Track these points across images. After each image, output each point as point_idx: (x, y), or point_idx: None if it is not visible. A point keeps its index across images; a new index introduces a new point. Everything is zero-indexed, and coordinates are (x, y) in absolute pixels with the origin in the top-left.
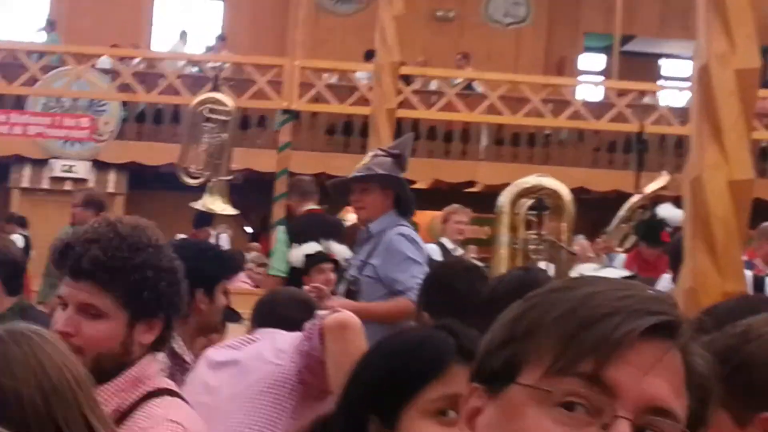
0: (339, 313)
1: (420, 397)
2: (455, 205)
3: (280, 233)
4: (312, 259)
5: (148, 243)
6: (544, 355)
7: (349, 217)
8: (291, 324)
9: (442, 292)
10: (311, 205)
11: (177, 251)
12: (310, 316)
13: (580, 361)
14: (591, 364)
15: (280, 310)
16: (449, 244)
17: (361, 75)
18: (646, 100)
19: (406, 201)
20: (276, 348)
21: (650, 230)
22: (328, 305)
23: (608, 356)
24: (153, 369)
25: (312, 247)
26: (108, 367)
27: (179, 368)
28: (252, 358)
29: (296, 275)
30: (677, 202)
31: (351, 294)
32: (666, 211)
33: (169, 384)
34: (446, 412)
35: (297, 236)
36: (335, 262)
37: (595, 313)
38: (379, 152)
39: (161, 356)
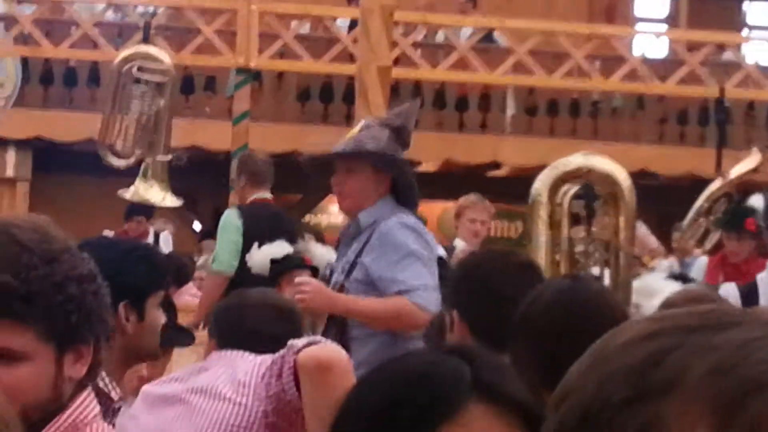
0: (318, 347)
1: None
2: (471, 196)
3: (229, 217)
4: (281, 265)
5: (62, 248)
6: (692, 427)
7: (333, 209)
8: (264, 342)
9: (482, 291)
10: (263, 193)
11: (90, 253)
12: (291, 330)
13: None
14: None
15: (250, 321)
16: (460, 245)
17: (343, 23)
18: (727, 55)
19: (406, 188)
20: (236, 380)
21: (734, 218)
22: (299, 281)
23: None
24: (91, 412)
25: (280, 249)
26: (36, 417)
27: (103, 408)
28: (202, 395)
29: (255, 279)
30: None
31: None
32: (758, 201)
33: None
34: None
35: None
36: (314, 269)
37: (763, 372)
38: (373, 122)
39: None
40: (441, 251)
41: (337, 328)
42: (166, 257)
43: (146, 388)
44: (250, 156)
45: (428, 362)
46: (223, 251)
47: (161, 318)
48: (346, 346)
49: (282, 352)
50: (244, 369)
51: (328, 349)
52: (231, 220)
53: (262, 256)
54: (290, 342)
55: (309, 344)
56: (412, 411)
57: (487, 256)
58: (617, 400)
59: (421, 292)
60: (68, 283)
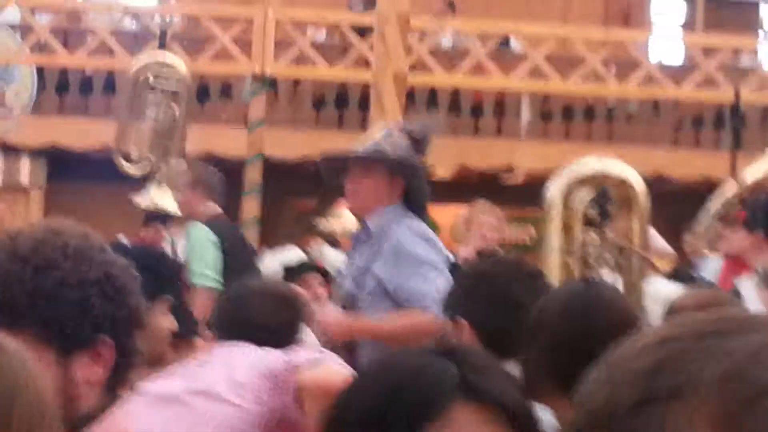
0: (321, 370)
1: None
2: (479, 202)
3: (201, 232)
4: (294, 271)
5: (63, 255)
6: (702, 429)
7: (342, 213)
8: (266, 333)
9: (493, 299)
10: (213, 205)
11: None
12: (294, 320)
13: None
14: None
15: (250, 312)
16: (463, 253)
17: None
18: (743, 60)
19: (419, 195)
20: (234, 381)
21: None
22: (321, 319)
23: None
24: (123, 423)
25: (293, 255)
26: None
27: None
28: (202, 396)
29: None
30: None
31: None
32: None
33: None
34: None
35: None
36: (325, 273)
37: None
38: (395, 130)
39: None
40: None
41: None
42: (178, 264)
43: (145, 385)
44: (204, 165)
45: (416, 363)
46: (208, 266)
47: (171, 324)
48: (353, 349)
49: (282, 363)
50: (243, 369)
51: (331, 372)
52: (205, 235)
53: (274, 262)
54: (291, 360)
55: (311, 362)
56: (398, 412)
57: (497, 264)
58: (626, 404)
59: (438, 304)
60: (63, 290)
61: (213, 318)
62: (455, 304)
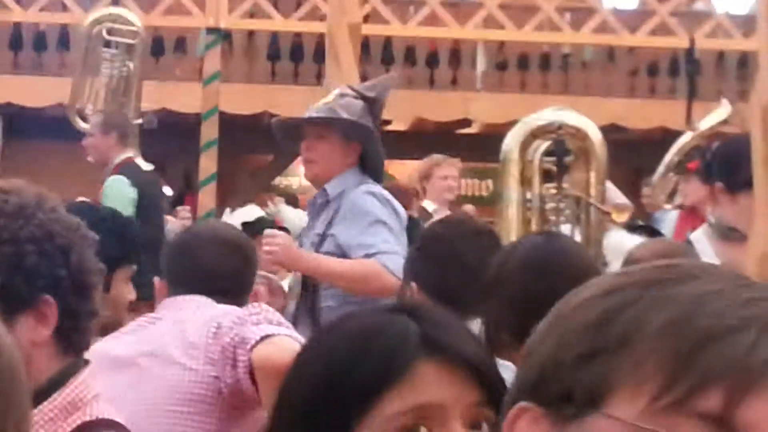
0: (274, 348)
1: (376, 412)
2: (437, 156)
3: (121, 184)
4: (253, 228)
5: None
6: (645, 379)
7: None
8: (218, 282)
9: (441, 260)
10: (129, 154)
11: None
12: (245, 266)
13: (701, 394)
14: (718, 400)
15: (200, 260)
16: (431, 207)
17: None
18: (697, 5)
19: (374, 160)
20: (186, 341)
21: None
22: (268, 240)
23: (742, 389)
24: (91, 391)
25: (251, 212)
26: None
27: None
28: (153, 358)
29: None
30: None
31: (307, 285)
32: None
33: (112, 414)
34: (416, 429)
35: None
36: (285, 231)
37: (717, 324)
38: (349, 91)
39: None
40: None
41: (311, 297)
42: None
43: (99, 347)
44: (121, 113)
45: (375, 322)
46: None
47: (130, 293)
48: (317, 316)
49: (234, 336)
50: (194, 327)
51: (285, 349)
52: (123, 189)
53: (234, 220)
54: (242, 333)
55: (264, 337)
56: (359, 373)
57: (443, 223)
58: (571, 356)
59: (390, 255)
60: None
61: (162, 267)
62: (408, 267)
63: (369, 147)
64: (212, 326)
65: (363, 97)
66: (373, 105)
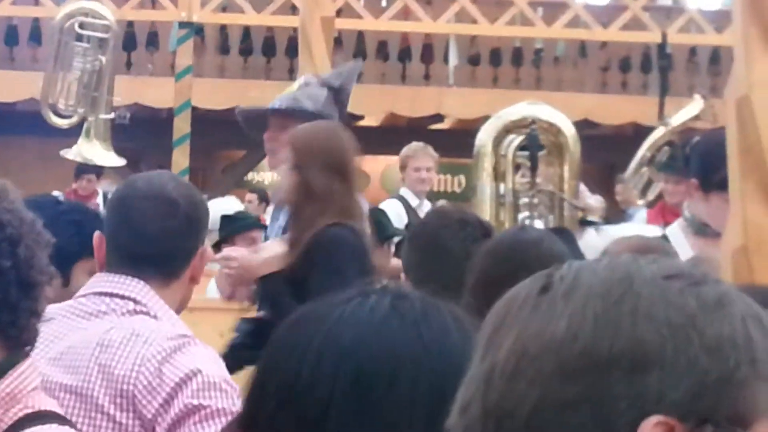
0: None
1: None
2: (414, 145)
3: None
4: (236, 224)
5: None
6: None
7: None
8: (145, 243)
9: (424, 249)
10: None
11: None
12: (182, 232)
13: None
14: None
15: (128, 214)
16: (412, 198)
17: None
18: (669, 0)
19: None
20: (113, 378)
21: (676, 160)
22: (225, 254)
23: None
24: (31, 383)
25: (230, 204)
26: None
27: None
28: (77, 396)
29: None
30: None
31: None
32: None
33: (53, 406)
34: None
35: None
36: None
37: None
38: (313, 80)
39: None
40: (390, 209)
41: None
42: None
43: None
44: None
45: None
46: None
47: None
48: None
49: (172, 380)
50: (124, 362)
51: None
52: None
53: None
54: (179, 381)
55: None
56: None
57: (430, 212)
58: (711, 380)
59: None
60: None
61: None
62: (401, 257)
63: None
64: (148, 368)
65: (328, 86)
66: (338, 94)
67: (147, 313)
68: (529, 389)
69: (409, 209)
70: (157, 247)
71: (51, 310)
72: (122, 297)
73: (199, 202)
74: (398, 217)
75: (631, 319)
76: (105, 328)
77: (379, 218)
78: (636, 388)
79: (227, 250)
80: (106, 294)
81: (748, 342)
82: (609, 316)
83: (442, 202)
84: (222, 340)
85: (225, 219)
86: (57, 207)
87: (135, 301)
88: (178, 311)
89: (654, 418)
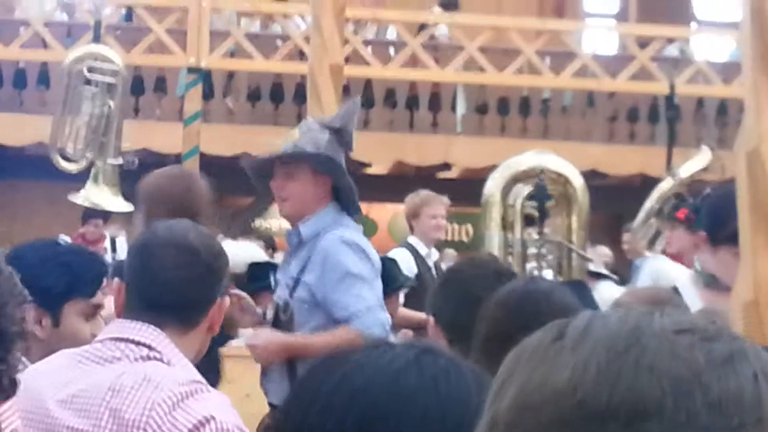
0: None
1: None
2: (427, 192)
3: None
4: (259, 271)
5: None
6: None
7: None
8: (166, 290)
9: (457, 297)
10: None
11: (15, 257)
12: (203, 280)
13: None
14: None
15: (149, 262)
16: (421, 247)
17: (295, 20)
18: (675, 50)
19: (347, 191)
20: (124, 428)
21: (670, 210)
22: (249, 342)
23: None
24: (10, 424)
25: (254, 252)
26: None
27: None
28: None
29: None
30: (726, 188)
31: (280, 323)
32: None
33: None
34: None
35: None
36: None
37: None
38: (314, 125)
39: None
40: (400, 258)
41: (285, 327)
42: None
43: (46, 384)
44: None
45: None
46: None
47: (84, 327)
48: (292, 366)
49: (184, 426)
50: (135, 407)
51: None
52: None
53: (236, 254)
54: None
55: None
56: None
57: (464, 261)
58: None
59: (362, 317)
60: None
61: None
62: (429, 300)
63: (338, 178)
64: (155, 417)
65: (329, 128)
66: (340, 135)
67: (161, 360)
68: None
69: (418, 258)
70: (176, 295)
71: (66, 354)
72: (137, 343)
73: (219, 252)
74: (408, 266)
75: (633, 371)
76: (117, 373)
77: (390, 267)
78: None
79: (249, 340)
80: (121, 339)
81: (757, 400)
82: (611, 368)
83: (450, 251)
84: (229, 386)
85: (252, 267)
86: (52, 249)
87: (149, 347)
88: (194, 361)
89: None
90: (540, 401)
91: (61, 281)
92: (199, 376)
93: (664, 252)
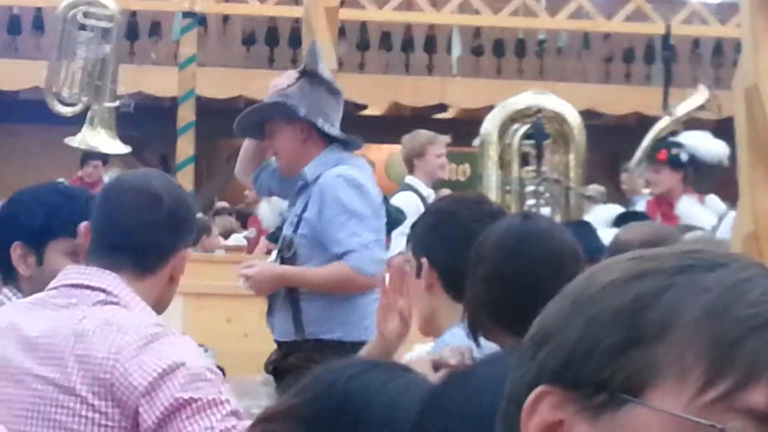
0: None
1: None
2: (428, 132)
3: None
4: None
5: None
6: (687, 370)
7: None
8: (123, 234)
9: (453, 238)
10: None
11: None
12: (163, 226)
13: (748, 389)
14: (765, 395)
15: (112, 205)
16: (423, 188)
17: None
18: None
19: (324, 130)
20: (91, 372)
21: (652, 150)
22: (243, 272)
23: None
24: None
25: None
26: None
27: None
28: (46, 384)
29: None
30: (720, 127)
31: (284, 260)
32: (695, 139)
33: None
34: None
35: None
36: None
37: (756, 314)
38: (284, 76)
39: None
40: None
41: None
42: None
43: (16, 316)
44: None
45: None
46: None
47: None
48: (296, 303)
49: (154, 371)
50: (99, 351)
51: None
52: None
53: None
54: (170, 395)
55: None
56: None
57: (460, 203)
58: (607, 344)
59: (356, 253)
60: None
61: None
62: (418, 241)
63: (313, 122)
64: (120, 360)
65: (297, 74)
66: (311, 77)
67: (117, 304)
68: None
69: (422, 199)
70: (132, 238)
71: (22, 302)
72: (92, 288)
73: (185, 201)
74: (417, 209)
75: (556, 302)
76: (77, 318)
77: (396, 216)
78: (533, 364)
79: (245, 268)
80: (75, 286)
81: (665, 301)
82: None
83: (446, 191)
84: (228, 325)
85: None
86: (37, 189)
87: (105, 291)
88: (154, 309)
89: (538, 389)
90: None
91: (42, 219)
92: (159, 320)
93: (651, 194)
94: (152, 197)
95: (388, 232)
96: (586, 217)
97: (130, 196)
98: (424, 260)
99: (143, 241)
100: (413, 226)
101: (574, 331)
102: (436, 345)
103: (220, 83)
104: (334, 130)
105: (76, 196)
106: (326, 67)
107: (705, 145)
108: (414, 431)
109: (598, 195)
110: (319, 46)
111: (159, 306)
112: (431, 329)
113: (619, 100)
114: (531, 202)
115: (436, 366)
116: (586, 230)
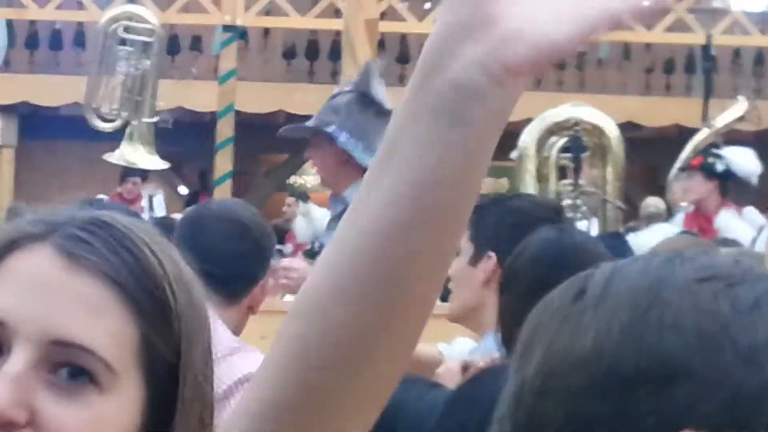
0: None
1: None
2: None
3: None
4: None
5: None
6: None
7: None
8: (214, 261)
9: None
10: None
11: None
12: (251, 255)
13: None
14: None
15: (200, 233)
16: None
17: None
18: (714, 2)
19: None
20: None
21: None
22: (287, 264)
23: None
24: None
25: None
26: None
27: None
28: None
29: None
30: (761, 140)
31: None
32: (733, 153)
33: None
34: None
35: None
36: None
37: None
38: (345, 89)
39: None
40: None
41: None
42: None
43: None
44: None
45: None
46: None
47: None
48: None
49: (225, 383)
50: None
51: None
52: None
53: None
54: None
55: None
56: None
57: (524, 200)
58: (715, 374)
59: None
60: None
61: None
62: (489, 235)
63: (351, 150)
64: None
65: (349, 92)
66: (362, 96)
67: None
68: (557, 407)
69: None
70: (223, 267)
71: None
72: None
73: (269, 233)
74: None
75: (657, 331)
76: None
77: None
78: (664, 403)
79: (288, 261)
80: None
81: None
82: (634, 330)
83: None
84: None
85: None
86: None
87: None
88: None
89: None
90: (567, 368)
91: None
92: (236, 342)
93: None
94: (242, 227)
95: None
96: (646, 235)
97: (220, 225)
98: (492, 255)
99: (232, 270)
100: (482, 214)
101: (724, 373)
102: (472, 350)
103: (260, 97)
104: (368, 159)
105: (134, 216)
106: (382, 85)
107: (740, 159)
108: (438, 425)
109: (658, 212)
110: (374, 65)
111: (234, 334)
112: (469, 320)
113: (659, 112)
114: (568, 215)
115: (465, 368)
116: (618, 242)
